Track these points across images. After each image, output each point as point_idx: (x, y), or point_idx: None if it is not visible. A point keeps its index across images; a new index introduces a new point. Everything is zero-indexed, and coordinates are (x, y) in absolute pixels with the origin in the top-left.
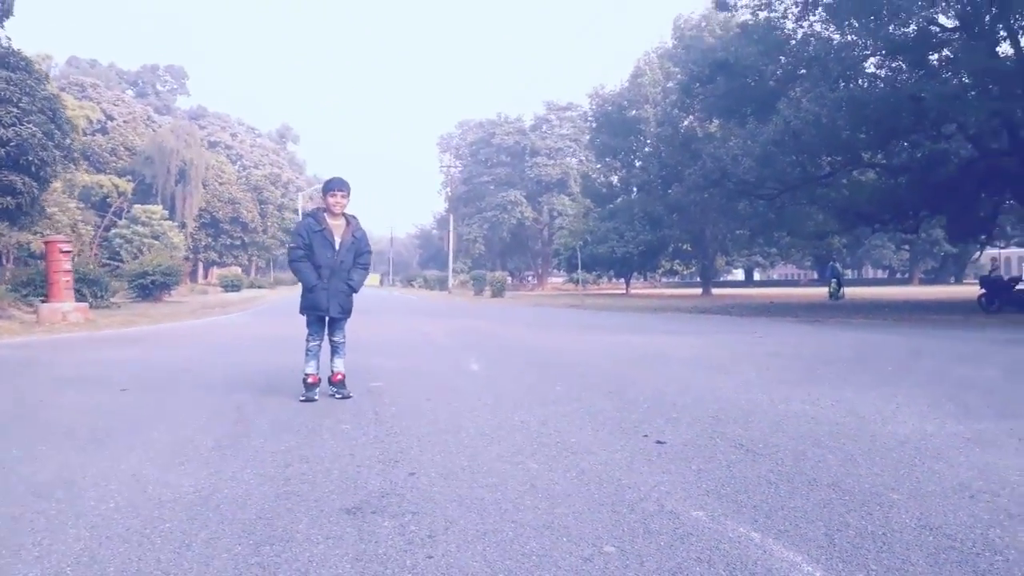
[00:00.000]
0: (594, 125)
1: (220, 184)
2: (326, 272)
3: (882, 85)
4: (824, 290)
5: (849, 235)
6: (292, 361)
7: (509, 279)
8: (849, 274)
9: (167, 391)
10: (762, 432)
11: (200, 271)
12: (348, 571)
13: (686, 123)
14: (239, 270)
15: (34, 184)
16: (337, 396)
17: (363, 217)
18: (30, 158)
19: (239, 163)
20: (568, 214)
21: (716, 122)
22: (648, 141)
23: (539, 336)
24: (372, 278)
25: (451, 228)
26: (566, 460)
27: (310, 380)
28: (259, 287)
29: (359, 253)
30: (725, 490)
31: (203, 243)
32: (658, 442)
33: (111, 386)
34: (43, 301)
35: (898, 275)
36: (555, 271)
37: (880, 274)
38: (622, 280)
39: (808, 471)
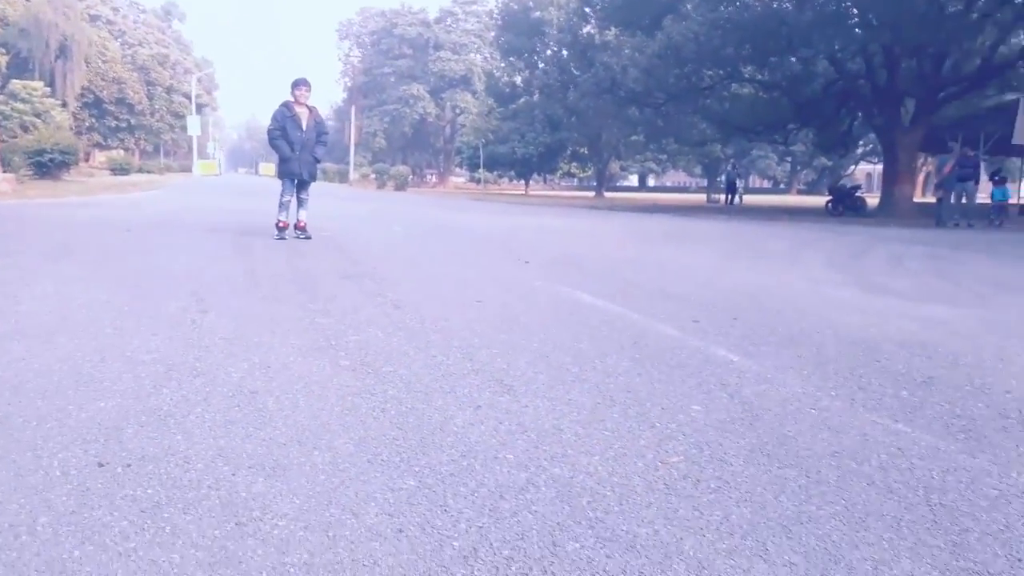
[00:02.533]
0: (500, 23)
1: (104, 62)
2: (297, 147)
3: (759, 8)
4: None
5: (730, 144)
6: (248, 220)
7: (411, 175)
8: (736, 183)
9: (165, 232)
10: (592, 263)
11: (81, 154)
12: (359, 295)
13: (586, 30)
14: (124, 153)
15: None
16: (301, 237)
17: (255, 105)
18: None
19: (122, 40)
20: (471, 112)
21: (614, 31)
22: (551, 44)
23: (446, 215)
24: (267, 168)
25: (352, 119)
26: (469, 268)
27: (281, 224)
28: (148, 172)
29: (320, 133)
30: (554, 277)
31: (87, 124)
32: (526, 262)
33: (113, 228)
34: None
35: (781, 185)
36: (457, 169)
37: (765, 183)
38: (522, 181)
39: (609, 273)
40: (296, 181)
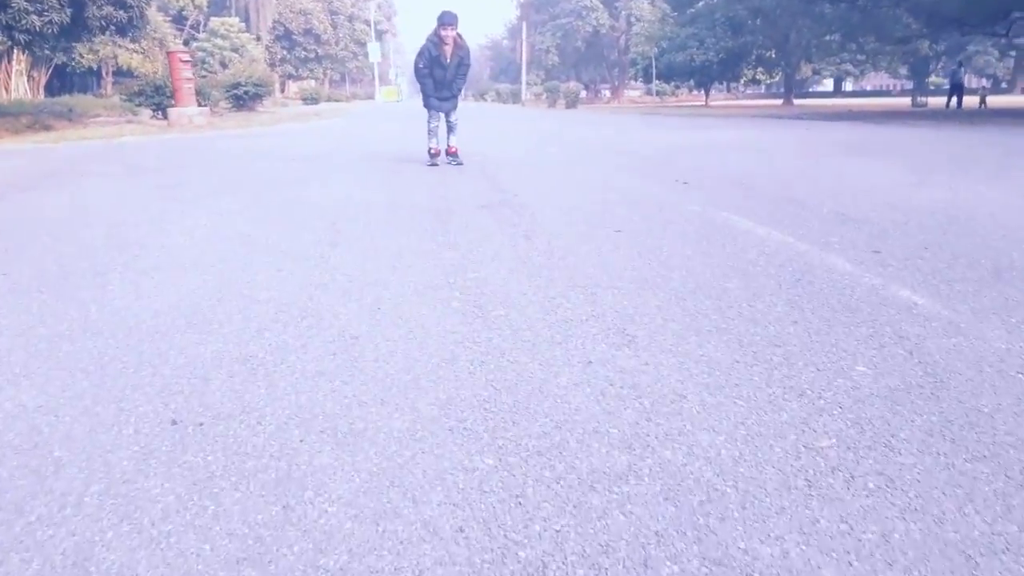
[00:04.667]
0: None
1: None
2: (441, 85)
3: None
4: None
5: (939, 40)
6: (407, 147)
7: (584, 92)
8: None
9: (325, 163)
10: (757, 180)
11: (277, 85)
12: (492, 224)
13: None
14: (314, 83)
15: None
16: (453, 164)
17: (428, 27)
18: None
19: None
20: (647, 20)
21: None
22: None
23: (611, 134)
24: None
25: (523, 37)
26: (620, 193)
27: (432, 151)
28: (336, 101)
29: (460, 64)
30: (715, 201)
31: (279, 56)
32: (684, 183)
33: (279, 159)
34: (170, 107)
35: (1003, 84)
36: (633, 83)
37: (984, 83)
38: (702, 91)
39: (782, 195)
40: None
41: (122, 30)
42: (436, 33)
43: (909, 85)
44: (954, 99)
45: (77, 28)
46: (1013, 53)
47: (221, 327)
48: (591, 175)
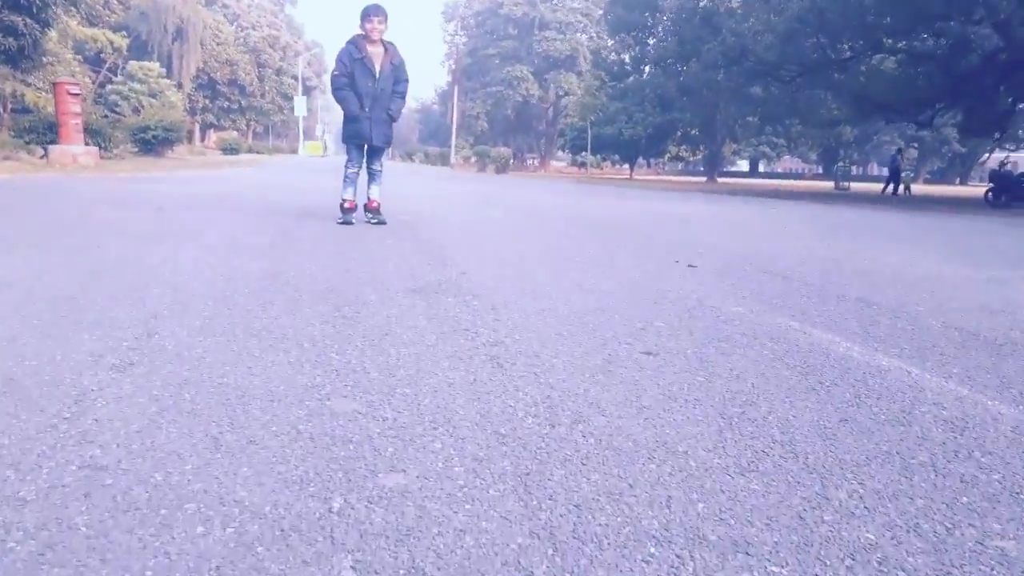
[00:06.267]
0: None
1: (217, 44)
2: (368, 101)
3: None
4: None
5: (861, 126)
6: (320, 199)
7: (511, 159)
8: (854, 170)
9: (205, 212)
10: (787, 265)
11: (197, 134)
12: (425, 325)
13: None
14: (236, 134)
15: (36, 26)
16: (372, 221)
17: None
18: None
19: (236, 23)
20: (576, 93)
21: (734, 2)
22: (664, 17)
23: (554, 199)
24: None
25: (454, 101)
26: (605, 272)
27: (347, 205)
28: (258, 152)
29: (397, 81)
30: (759, 297)
31: (200, 105)
32: (690, 266)
33: (147, 206)
34: (48, 143)
35: (903, 173)
36: (559, 153)
37: (885, 171)
38: (625, 165)
39: (836, 290)
40: (365, 147)
41: (12, 60)
42: (360, 28)
43: (818, 170)
44: (890, 185)
45: None
46: (915, 144)
47: None
48: (558, 247)
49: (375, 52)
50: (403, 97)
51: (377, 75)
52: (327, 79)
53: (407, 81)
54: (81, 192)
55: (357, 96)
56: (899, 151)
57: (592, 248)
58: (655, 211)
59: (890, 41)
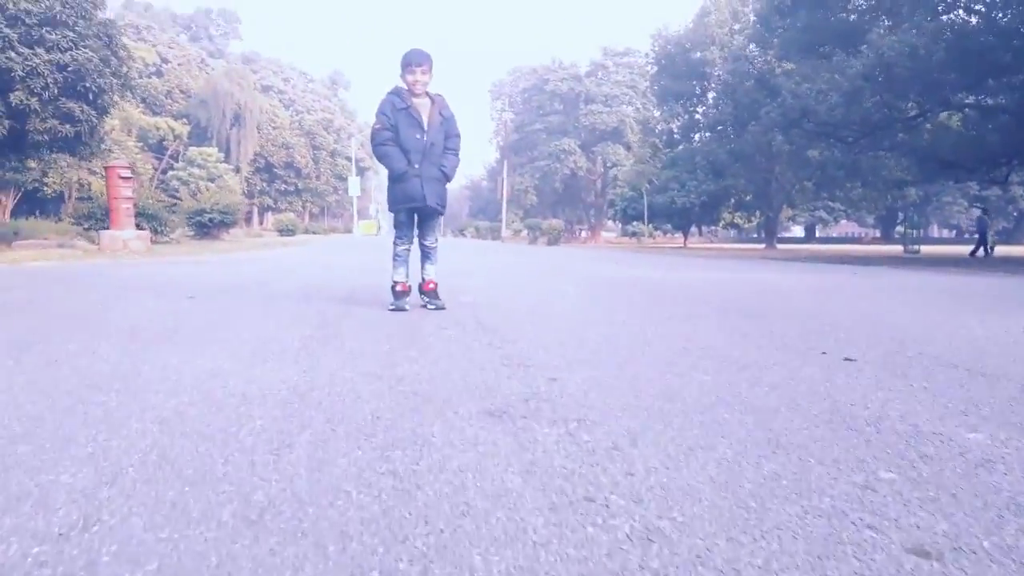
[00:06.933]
0: (655, 69)
1: (274, 128)
2: (416, 157)
3: (977, 19)
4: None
5: (927, 186)
6: (371, 281)
7: (562, 231)
8: (915, 233)
9: (239, 299)
10: (953, 348)
11: (255, 216)
12: (520, 485)
13: (760, 62)
14: (293, 216)
15: (92, 112)
16: (430, 307)
17: None
18: (87, 84)
19: (291, 108)
20: (623, 165)
21: (789, 64)
22: (714, 84)
23: (624, 270)
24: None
25: (504, 175)
26: (742, 372)
27: (399, 288)
28: (314, 233)
29: (448, 136)
30: (978, 411)
31: (258, 187)
32: (846, 359)
33: (178, 294)
34: (103, 229)
35: (966, 235)
36: (609, 222)
37: (947, 234)
38: (679, 234)
39: None
40: (416, 218)
41: (69, 146)
42: (401, 81)
43: (875, 233)
44: (984, 246)
45: (18, 142)
46: (980, 205)
47: None
48: (660, 335)
49: (421, 104)
50: (456, 154)
51: (426, 127)
52: None
53: (459, 136)
54: (116, 280)
55: (404, 152)
56: (985, 211)
57: (704, 334)
58: (743, 282)
59: (957, 96)
